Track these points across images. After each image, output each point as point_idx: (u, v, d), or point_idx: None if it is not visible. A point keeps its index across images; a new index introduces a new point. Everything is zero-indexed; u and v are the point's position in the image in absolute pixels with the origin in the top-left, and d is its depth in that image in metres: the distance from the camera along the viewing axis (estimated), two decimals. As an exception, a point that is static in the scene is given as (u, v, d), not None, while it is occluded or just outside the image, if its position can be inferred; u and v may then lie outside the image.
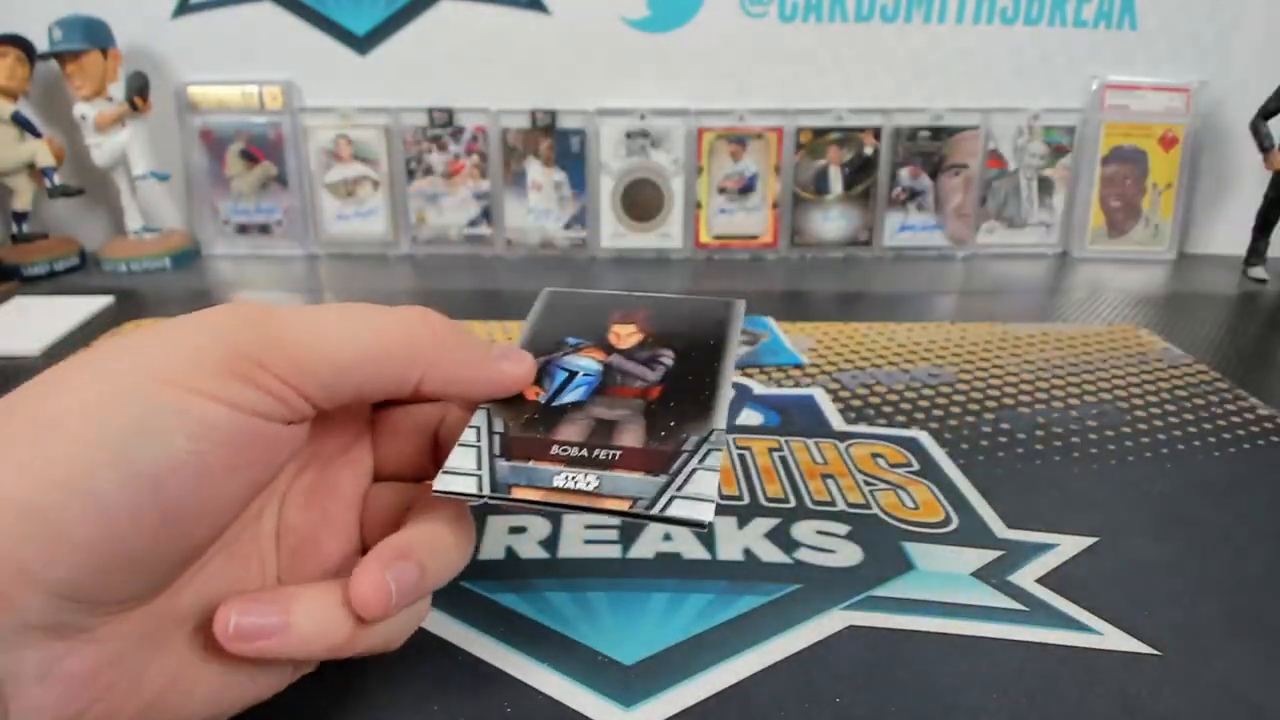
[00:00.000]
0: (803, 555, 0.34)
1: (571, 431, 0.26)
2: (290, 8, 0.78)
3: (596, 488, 0.24)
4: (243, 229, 0.81)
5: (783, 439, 0.44)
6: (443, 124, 0.78)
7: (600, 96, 0.78)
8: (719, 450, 0.26)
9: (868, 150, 0.79)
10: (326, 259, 0.81)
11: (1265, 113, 0.72)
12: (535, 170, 0.79)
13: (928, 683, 0.27)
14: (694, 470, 0.25)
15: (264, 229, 0.81)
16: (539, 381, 0.28)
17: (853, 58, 0.79)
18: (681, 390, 0.27)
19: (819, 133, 0.79)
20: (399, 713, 0.26)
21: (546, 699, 0.27)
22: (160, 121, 0.78)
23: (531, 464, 0.25)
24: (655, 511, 0.24)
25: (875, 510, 0.37)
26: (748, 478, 0.40)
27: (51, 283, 0.73)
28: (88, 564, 0.18)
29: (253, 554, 0.24)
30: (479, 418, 0.26)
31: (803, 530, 0.35)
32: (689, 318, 0.31)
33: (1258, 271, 0.74)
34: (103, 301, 0.65)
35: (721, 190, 0.80)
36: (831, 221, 0.81)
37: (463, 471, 0.24)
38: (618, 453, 0.25)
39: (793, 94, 0.79)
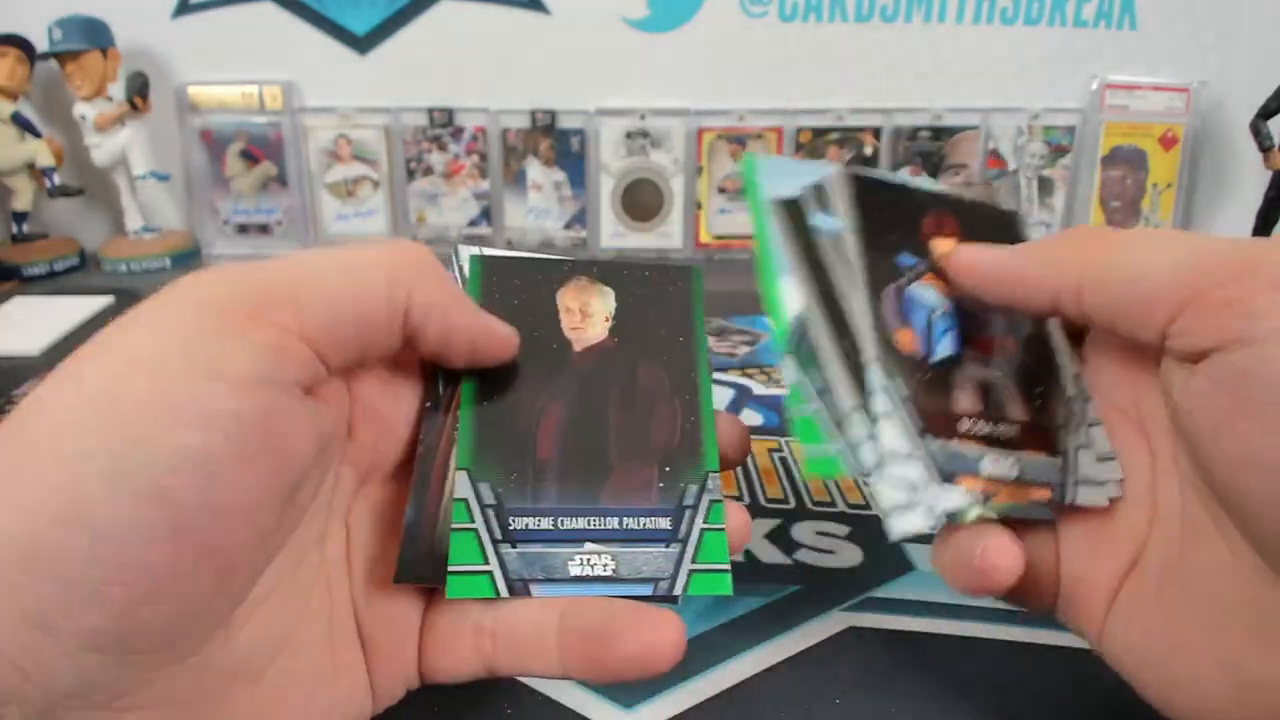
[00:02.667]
0: (802, 556, 0.34)
1: (966, 400, 0.23)
2: (290, 8, 0.78)
3: (1019, 476, 0.22)
4: (243, 229, 0.81)
5: (782, 439, 0.44)
6: (443, 124, 0.78)
7: (600, 96, 0.78)
8: (1088, 404, 0.23)
9: (868, 150, 0.79)
10: (326, 259, 0.81)
11: (1265, 113, 0.72)
12: (535, 170, 0.79)
13: (927, 684, 0.27)
14: (1076, 449, 0.23)
15: (264, 229, 0.81)
16: (904, 318, 0.24)
17: (853, 58, 0.79)
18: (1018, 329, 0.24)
19: (819, 133, 0.79)
20: (399, 714, 0.26)
21: (546, 700, 0.27)
22: (160, 121, 0.78)
23: (955, 444, 0.22)
24: (1068, 501, 0.22)
25: (875, 511, 0.37)
26: (747, 478, 0.40)
27: (51, 283, 0.73)
28: (112, 603, 0.16)
29: (317, 582, 0.22)
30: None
31: (803, 531, 0.35)
32: (987, 220, 0.26)
33: (1258, 271, 0.74)
34: (103, 301, 0.65)
35: (721, 190, 0.80)
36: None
37: (902, 455, 0.21)
38: (1017, 427, 0.23)
39: (793, 94, 0.79)
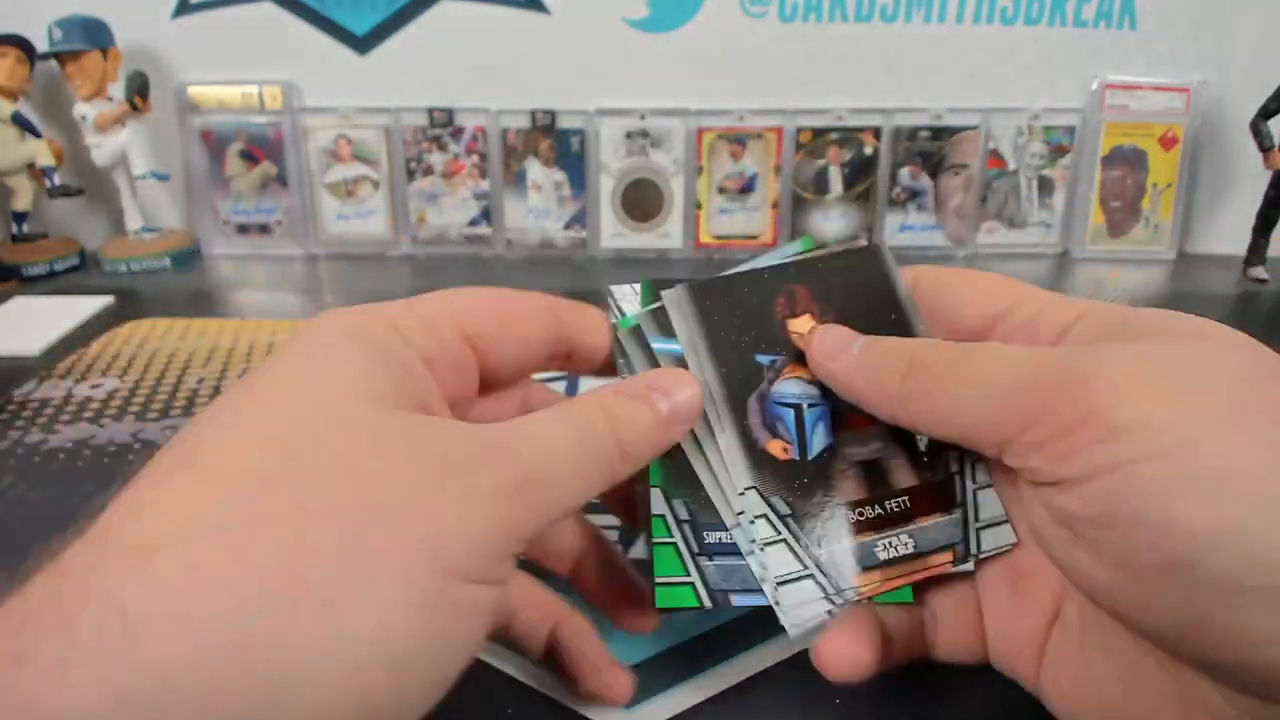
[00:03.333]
0: (803, 556, 0.34)
1: (850, 488, 0.23)
2: (290, 8, 0.78)
3: (915, 549, 0.23)
4: (243, 229, 0.81)
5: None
6: (443, 124, 0.78)
7: (600, 96, 0.78)
8: (976, 457, 0.23)
9: (868, 150, 0.79)
10: (326, 259, 0.81)
11: (1265, 113, 0.72)
12: (535, 170, 0.79)
13: (928, 684, 0.27)
14: (975, 491, 0.23)
15: (264, 229, 0.81)
16: (771, 428, 0.24)
17: (853, 58, 0.79)
18: None
19: (819, 133, 0.79)
20: (399, 713, 0.26)
21: (547, 700, 0.27)
22: (160, 121, 0.78)
23: (845, 544, 0.23)
24: (973, 553, 0.23)
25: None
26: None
27: (51, 283, 0.73)
28: None
29: None
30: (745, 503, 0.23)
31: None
32: (843, 278, 0.25)
33: (1258, 271, 0.74)
34: (103, 301, 0.65)
35: (721, 190, 0.80)
36: (831, 221, 0.81)
37: (792, 577, 0.22)
38: (905, 499, 0.23)
39: (793, 94, 0.79)
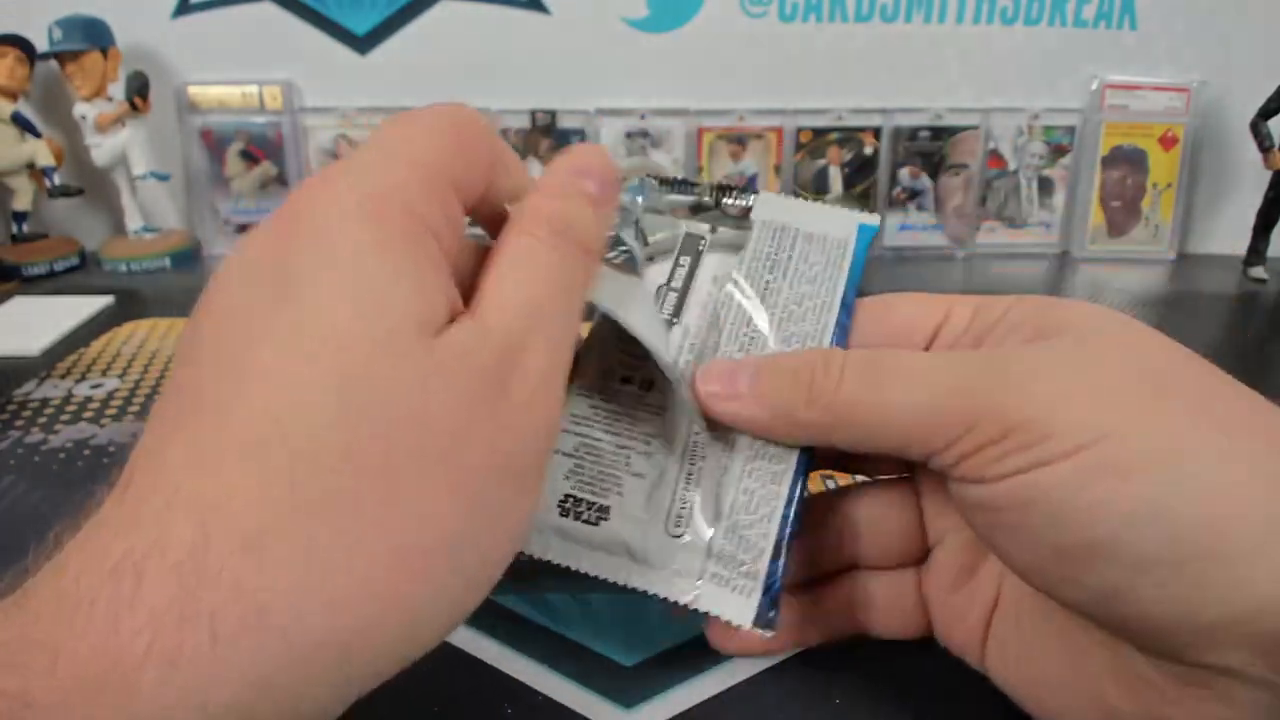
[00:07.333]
0: (803, 556, 0.34)
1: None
2: (290, 8, 0.78)
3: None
4: (243, 229, 0.81)
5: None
6: (443, 124, 0.78)
7: (600, 96, 0.78)
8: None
9: (868, 150, 0.79)
10: (326, 259, 0.81)
11: (1265, 113, 0.72)
12: (535, 170, 0.79)
13: (928, 684, 0.27)
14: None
15: (264, 229, 0.81)
16: None
17: (853, 58, 0.79)
18: None
19: (819, 133, 0.79)
20: (399, 714, 0.26)
21: (547, 700, 0.27)
22: (160, 121, 0.78)
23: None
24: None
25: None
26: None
27: (51, 283, 0.73)
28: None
29: None
30: None
31: (803, 531, 0.35)
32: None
33: (1258, 271, 0.74)
34: (103, 301, 0.65)
35: (721, 190, 0.80)
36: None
37: None
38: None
39: (793, 94, 0.79)
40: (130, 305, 0.65)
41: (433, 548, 0.16)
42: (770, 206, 0.27)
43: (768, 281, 0.26)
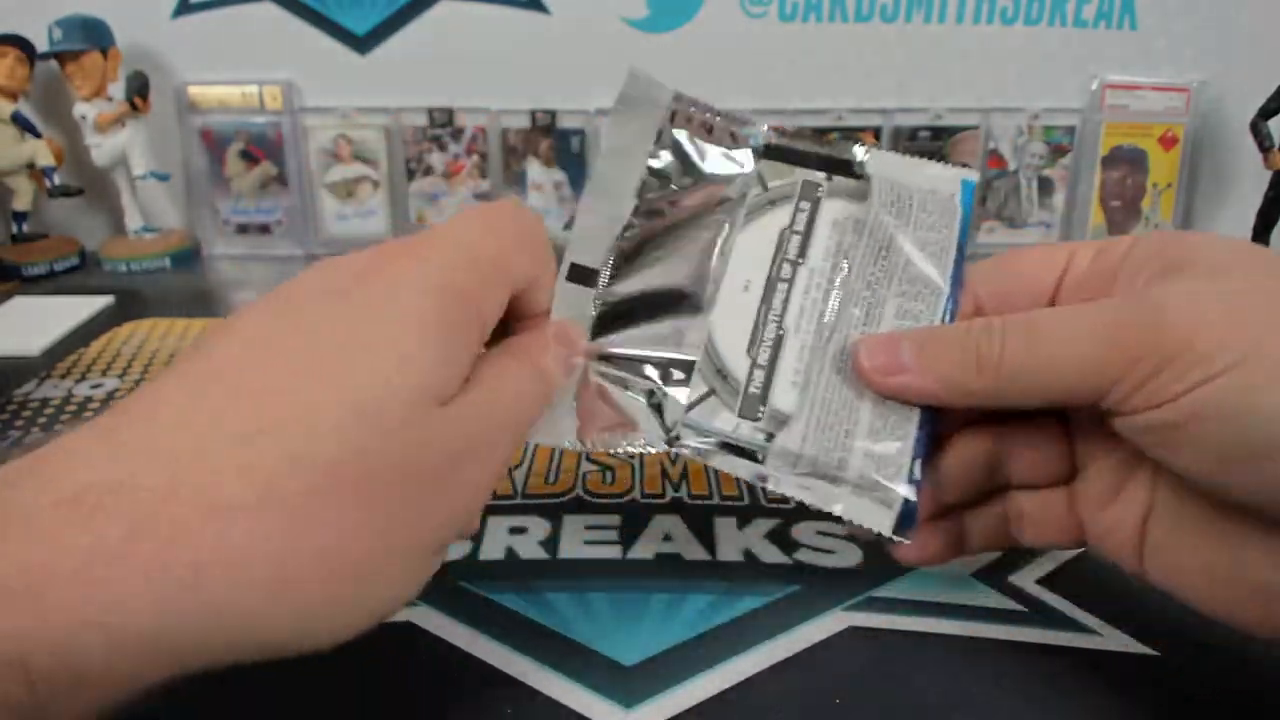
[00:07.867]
0: (803, 556, 0.34)
1: None
2: (290, 8, 0.78)
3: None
4: (243, 229, 0.81)
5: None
6: (443, 124, 0.78)
7: (600, 96, 0.78)
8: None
9: (868, 150, 0.79)
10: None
11: (1265, 113, 0.72)
12: (535, 170, 0.79)
13: (928, 684, 0.27)
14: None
15: (264, 229, 0.81)
16: None
17: (853, 58, 0.79)
18: None
19: (819, 133, 0.79)
20: (399, 714, 0.26)
21: (547, 700, 0.27)
22: (160, 121, 0.78)
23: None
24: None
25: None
26: (748, 478, 0.40)
27: (51, 283, 0.73)
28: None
29: None
30: None
31: (803, 530, 0.35)
32: None
33: (1258, 271, 0.74)
34: (103, 301, 0.65)
35: (721, 190, 0.80)
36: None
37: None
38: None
39: (793, 94, 0.79)
40: (130, 305, 0.65)
41: (354, 567, 0.19)
42: (881, 160, 0.29)
43: (892, 228, 0.28)
